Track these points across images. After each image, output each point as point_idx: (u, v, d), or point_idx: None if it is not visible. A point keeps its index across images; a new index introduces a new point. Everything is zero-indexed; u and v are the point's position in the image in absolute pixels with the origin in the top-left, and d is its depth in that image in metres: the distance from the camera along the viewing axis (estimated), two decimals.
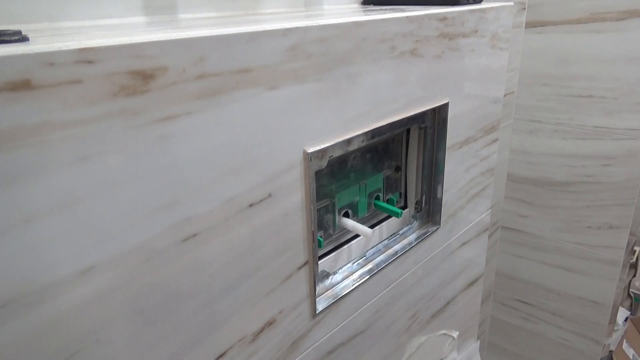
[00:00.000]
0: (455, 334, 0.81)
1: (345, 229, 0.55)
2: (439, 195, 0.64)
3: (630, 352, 1.53)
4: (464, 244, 0.75)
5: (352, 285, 0.54)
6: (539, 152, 1.14)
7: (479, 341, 0.93)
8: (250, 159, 0.38)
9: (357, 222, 0.55)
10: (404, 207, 0.64)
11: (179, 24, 0.43)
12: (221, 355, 0.41)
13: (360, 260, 0.57)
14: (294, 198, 0.43)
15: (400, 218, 0.61)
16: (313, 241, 0.46)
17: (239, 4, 0.59)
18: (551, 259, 1.20)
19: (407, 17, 0.49)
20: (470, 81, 0.63)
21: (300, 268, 0.46)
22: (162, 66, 0.30)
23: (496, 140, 0.77)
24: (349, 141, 0.47)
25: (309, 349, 0.51)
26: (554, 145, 1.11)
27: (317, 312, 0.49)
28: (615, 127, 1.03)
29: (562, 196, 1.14)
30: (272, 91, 0.38)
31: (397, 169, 0.62)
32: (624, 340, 1.56)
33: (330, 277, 0.53)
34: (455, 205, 0.68)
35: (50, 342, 0.29)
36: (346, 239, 0.56)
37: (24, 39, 0.28)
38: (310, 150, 0.43)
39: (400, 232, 0.63)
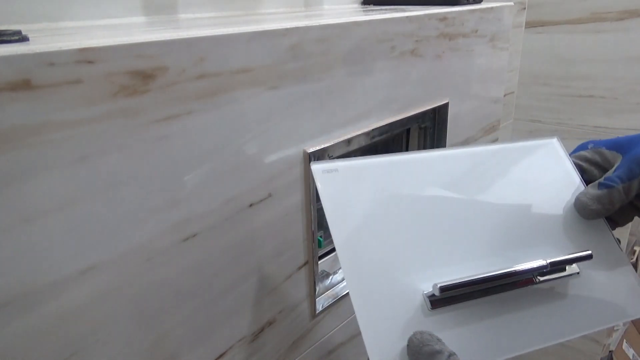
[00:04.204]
0: None
1: None
2: None
3: (630, 352, 1.53)
4: None
5: None
6: None
7: None
8: (251, 158, 0.38)
9: None
10: None
11: (179, 24, 0.43)
12: (221, 355, 0.41)
13: None
14: (294, 198, 0.43)
15: None
16: (313, 241, 0.46)
17: (239, 4, 0.59)
18: None
19: (407, 17, 0.49)
20: (470, 81, 0.63)
21: (300, 268, 0.46)
22: (162, 66, 0.30)
23: (496, 140, 0.77)
24: (349, 141, 0.47)
25: (309, 349, 0.51)
26: None
27: (317, 312, 0.49)
28: (615, 127, 1.03)
29: None
30: (272, 91, 0.38)
31: None
32: (624, 340, 1.56)
33: (330, 277, 0.53)
34: None
35: (50, 342, 0.29)
36: None
37: (24, 39, 0.28)
38: (310, 150, 0.43)
39: None
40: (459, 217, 0.34)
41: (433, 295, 0.31)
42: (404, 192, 0.34)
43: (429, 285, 0.31)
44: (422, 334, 0.29)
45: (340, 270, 0.55)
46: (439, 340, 0.28)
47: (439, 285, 0.30)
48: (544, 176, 0.37)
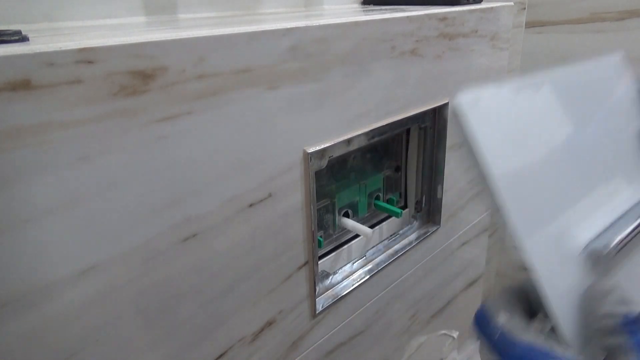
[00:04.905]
0: (455, 334, 0.81)
1: (345, 229, 0.55)
2: (439, 195, 0.64)
3: None
4: (464, 243, 0.75)
5: (352, 285, 0.54)
6: None
7: (479, 341, 0.93)
8: (250, 159, 0.38)
9: (357, 222, 0.55)
10: (404, 207, 0.64)
11: (179, 24, 0.43)
12: (221, 355, 0.41)
13: (360, 260, 0.57)
14: (294, 198, 0.43)
15: (400, 218, 0.61)
16: (313, 241, 0.46)
17: (239, 4, 0.59)
18: None
19: (407, 17, 0.49)
20: (470, 81, 0.63)
21: (300, 268, 0.46)
22: (162, 66, 0.30)
23: None
24: (349, 141, 0.47)
25: (309, 349, 0.51)
26: None
27: (317, 312, 0.49)
28: None
29: None
30: (272, 91, 0.38)
31: (397, 169, 0.62)
32: None
33: (330, 277, 0.53)
34: (455, 205, 0.68)
35: (50, 342, 0.29)
36: (346, 239, 0.56)
37: (24, 39, 0.28)
38: (310, 150, 0.43)
39: (400, 232, 0.63)
40: (586, 151, 0.33)
41: (596, 250, 0.30)
42: (541, 123, 0.32)
43: (587, 233, 0.30)
44: (604, 283, 0.29)
45: (340, 270, 0.55)
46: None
47: (611, 244, 0.30)
48: (612, 99, 0.36)
